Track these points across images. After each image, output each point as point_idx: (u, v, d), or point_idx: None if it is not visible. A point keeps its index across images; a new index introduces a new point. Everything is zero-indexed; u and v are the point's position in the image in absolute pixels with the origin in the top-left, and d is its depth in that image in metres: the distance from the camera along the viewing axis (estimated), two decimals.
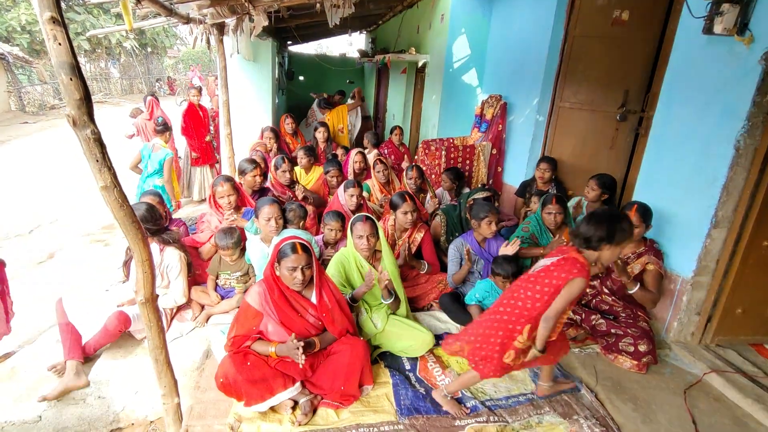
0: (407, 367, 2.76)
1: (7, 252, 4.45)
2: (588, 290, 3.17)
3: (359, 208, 3.98)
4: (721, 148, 2.72)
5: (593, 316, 3.01)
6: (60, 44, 1.44)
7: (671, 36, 3.22)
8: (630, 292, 2.88)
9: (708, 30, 2.66)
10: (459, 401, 2.46)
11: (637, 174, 3.41)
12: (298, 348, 2.21)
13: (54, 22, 1.42)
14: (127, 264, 3.13)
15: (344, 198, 3.93)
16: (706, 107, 2.82)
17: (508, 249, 3.12)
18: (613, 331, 2.88)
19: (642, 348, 2.73)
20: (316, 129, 6.40)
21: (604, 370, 2.77)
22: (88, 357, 2.74)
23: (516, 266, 3.01)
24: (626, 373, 2.75)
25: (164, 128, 5.57)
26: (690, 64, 2.93)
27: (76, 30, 17.32)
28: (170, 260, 2.97)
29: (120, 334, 2.83)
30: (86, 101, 1.54)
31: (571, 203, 4.01)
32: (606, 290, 3.11)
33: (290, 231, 3.28)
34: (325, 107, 8.01)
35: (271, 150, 5.80)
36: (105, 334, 2.75)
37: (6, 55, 13.62)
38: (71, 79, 1.49)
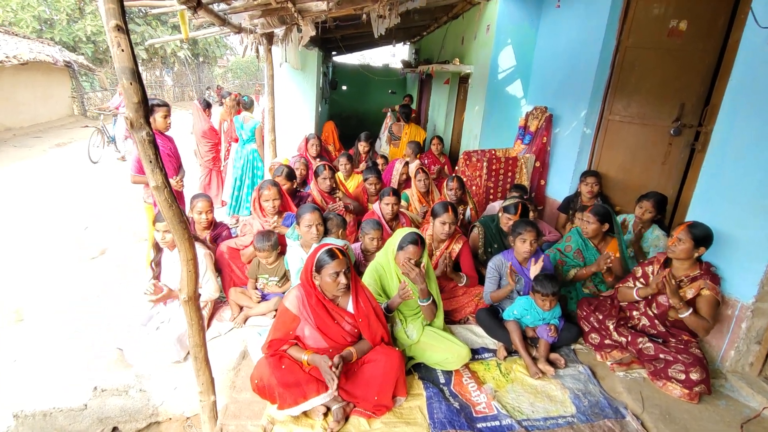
0: (442, 380, 2.70)
1: (62, 247, 4.72)
2: (634, 312, 3.01)
3: (396, 217, 3.97)
4: None
5: (640, 339, 2.84)
6: (123, 50, 1.53)
7: (734, 47, 3.05)
8: (681, 316, 2.69)
9: None
10: (495, 419, 2.39)
11: (692, 192, 3.22)
12: (332, 377, 2.18)
13: (118, 30, 1.50)
14: (157, 262, 3.20)
15: (381, 206, 3.92)
16: None
17: (535, 268, 3.03)
18: (662, 356, 2.71)
19: (694, 376, 2.56)
20: (359, 140, 6.46)
21: (652, 397, 2.62)
22: None
23: (557, 285, 2.90)
24: (676, 402, 2.58)
25: (251, 103, 6.35)
26: (756, 76, 2.76)
27: (135, 40, 18.32)
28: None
29: None
30: (143, 105, 1.61)
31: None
32: (650, 313, 2.92)
33: (329, 239, 3.29)
34: (406, 119, 7.49)
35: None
36: None
37: (72, 63, 14.55)
38: (131, 84, 1.57)
